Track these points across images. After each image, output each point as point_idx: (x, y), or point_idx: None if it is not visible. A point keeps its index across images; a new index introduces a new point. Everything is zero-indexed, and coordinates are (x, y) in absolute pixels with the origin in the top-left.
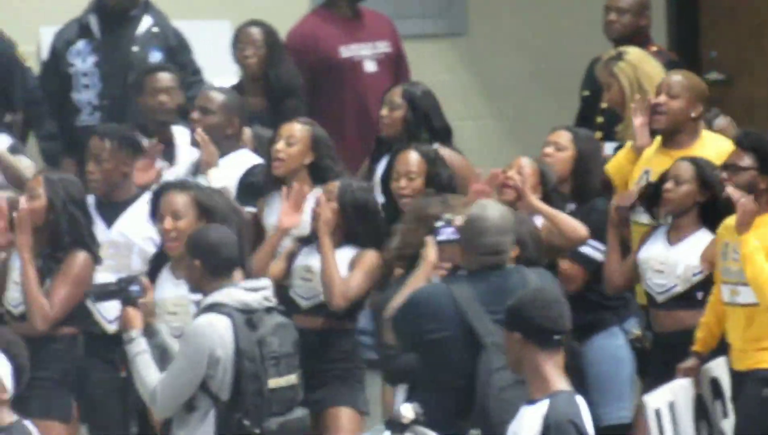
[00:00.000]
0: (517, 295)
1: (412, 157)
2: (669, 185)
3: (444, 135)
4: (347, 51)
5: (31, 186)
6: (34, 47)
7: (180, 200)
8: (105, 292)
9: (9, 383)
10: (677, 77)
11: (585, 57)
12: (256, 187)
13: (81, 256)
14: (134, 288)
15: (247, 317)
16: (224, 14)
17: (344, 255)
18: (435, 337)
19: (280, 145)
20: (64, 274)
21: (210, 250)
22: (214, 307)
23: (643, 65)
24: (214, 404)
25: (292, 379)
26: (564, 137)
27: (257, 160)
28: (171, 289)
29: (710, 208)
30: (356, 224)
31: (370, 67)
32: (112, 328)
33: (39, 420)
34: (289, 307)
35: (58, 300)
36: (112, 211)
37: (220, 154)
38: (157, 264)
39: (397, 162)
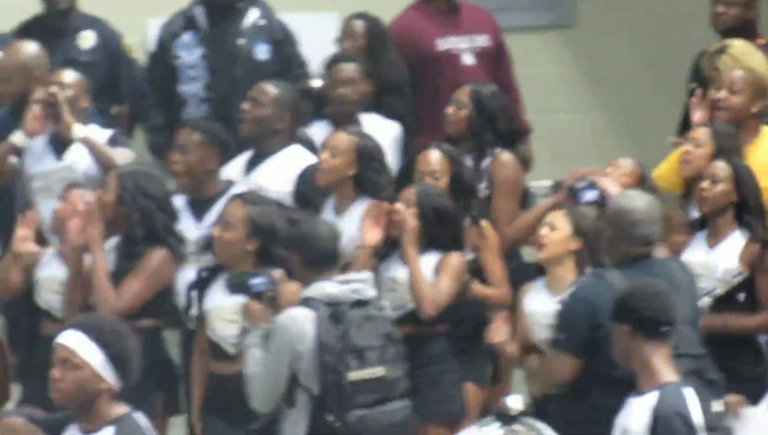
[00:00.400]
0: (626, 288)
1: (435, 157)
2: (705, 184)
3: (508, 139)
4: (444, 44)
5: (106, 180)
6: (140, 39)
7: (236, 213)
8: (238, 284)
9: (106, 373)
10: (740, 73)
11: (694, 48)
12: (307, 195)
13: (158, 252)
14: (257, 281)
15: (332, 310)
16: (332, 6)
17: (428, 261)
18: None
19: (324, 155)
20: (139, 269)
21: (306, 243)
22: (304, 301)
23: (746, 59)
24: (310, 398)
25: (378, 371)
26: (702, 133)
27: (309, 157)
28: (229, 297)
29: (744, 209)
30: (436, 229)
31: (467, 60)
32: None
33: None
34: None
35: (129, 292)
36: (201, 207)
37: (269, 150)
38: (213, 272)
39: (419, 162)
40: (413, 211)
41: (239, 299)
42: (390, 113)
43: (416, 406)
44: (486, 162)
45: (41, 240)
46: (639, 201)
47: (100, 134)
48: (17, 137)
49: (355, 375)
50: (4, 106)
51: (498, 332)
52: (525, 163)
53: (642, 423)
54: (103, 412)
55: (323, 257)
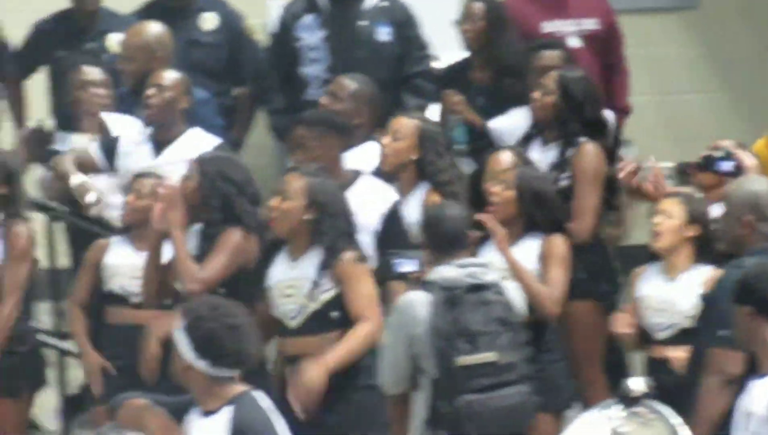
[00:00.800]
0: (748, 269)
1: (506, 159)
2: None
3: (594, 127)
4: (550, 26)
5: (189, 167)
6: (262, 21)
7: (295, 184)
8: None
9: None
10: None
11: None
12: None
13: (236, 232)
14: (402, 261)
15: (448, 295)
16: None
17: (530, 246)
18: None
19: (386, 139)
20: (220, 245)
21: (431, 225)
22: (424, 285)
23: None
24: (430, 382)
25: (490, 356)
26: None
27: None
28: (286, 272)
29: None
30: (535, 212)
31: (573, 43)
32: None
33: None
34: None
35: (211, 265)
36: None
37: (348, 145)
38: (273, 246)
39: (490, 163)
40: (510, 194)
41: (293, 274)
42: (508, 95)
43: None
44: (570, 152)
45: None
46: None
47: (208, 141)
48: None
49: (465, 360)
50: (126, 86)
51: (621, 322)
52: (609, 152)
53: (764, 405)
54: (221, 393)
55: (449, 239)
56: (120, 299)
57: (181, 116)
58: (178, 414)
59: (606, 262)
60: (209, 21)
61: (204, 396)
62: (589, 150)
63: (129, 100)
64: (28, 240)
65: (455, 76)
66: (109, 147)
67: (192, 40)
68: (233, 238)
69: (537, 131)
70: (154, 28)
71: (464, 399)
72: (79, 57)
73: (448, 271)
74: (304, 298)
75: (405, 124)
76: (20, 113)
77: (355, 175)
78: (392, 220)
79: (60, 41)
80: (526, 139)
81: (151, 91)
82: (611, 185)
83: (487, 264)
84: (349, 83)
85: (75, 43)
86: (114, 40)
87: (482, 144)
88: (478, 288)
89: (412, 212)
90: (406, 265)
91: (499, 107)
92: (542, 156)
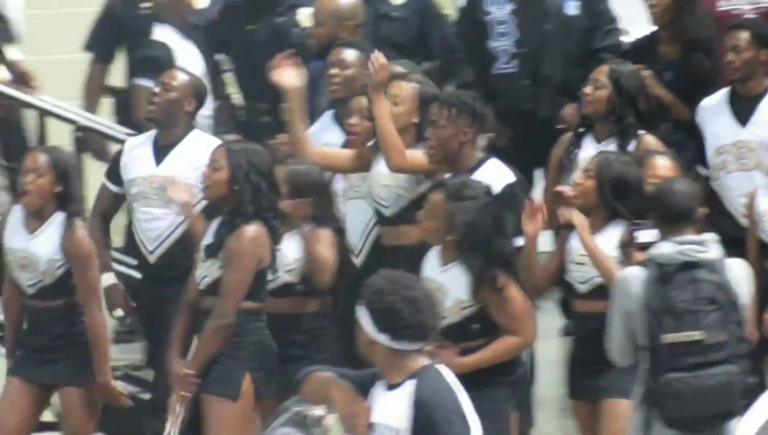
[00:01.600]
0: None
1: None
2: None
3: (649, 119)
4: (726, 4)
5: (214, 158)
6: None
7: (439, 203)
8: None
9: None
10: None
11: None
12: None
13: (248, 234)
14: (642, 232)
15: (661, 271)
16: None
17: (611, 236)
18: None
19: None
20: (230, 259)
21: (659, 199)
22: (642, 262)
23: None
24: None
25: (696, 335)
26: None
27: None
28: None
29: None
30: (615, 200)
31: None
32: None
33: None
34: (569, 292)
35: (229, 288)
36: None
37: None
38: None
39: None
40: (593, 183)
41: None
42: (696, 70)
43: (605, 385)
44: (631, 145)
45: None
46: None
47: (209, 144)
48: None
49: (670, 337)
50: (313, 51)
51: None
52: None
53: None
54: (404, 366)
55: (676, 213)
56: None
57: (185, 119)
58: (363, 387)
59: None
60: None
61: (388, 369)
62: (651, 141)
63: (315, 65)
64: (89, 242)
65: (643, 50)
66: (114, 168)
67: (382, 15)
68: (244, 243)
69: (587, 127)
70: None
71: (667, 377)
72: (269, 31)
73: (665, 248)
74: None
75: (404, 88)
76: (218, 88)
77: (484, 159)
78: (501, 201)
79: (251, 15)
80: (578, 136)
81: (156, 90)
82: None
83: (706, 241)
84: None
85: (265, 17)
86: (304, 14)
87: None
88: (691, 266)
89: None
90: (647, 236)
91: (686, 82)
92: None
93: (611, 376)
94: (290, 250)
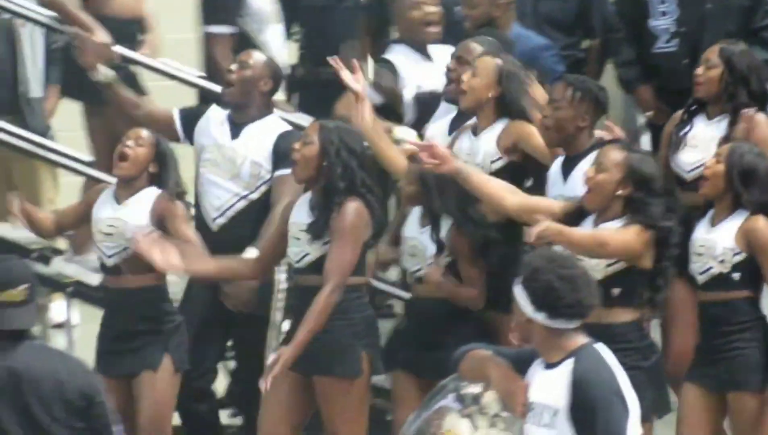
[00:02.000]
0: None
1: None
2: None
3: (762, 98)
4: None
5: (307, 132)
6: None
7: (613, 156)
8: None
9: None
10: None
11: None
12: None
13: (351, 208)
14: None
15: None
16: None
17: (731, 225)
18: None
19: (466, 75)
20: (338, 231)
21: (747, 175)
22: None
23: None
24: None
25: None
26: None
27: None
28: None
29: None
30: (741, 190)
31: None
32: None
33: None
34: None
35: (337, 261)
36: (568, 164)
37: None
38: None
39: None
40: (722, 169)
41: None
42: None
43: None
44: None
45: None
46: None
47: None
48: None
49: None
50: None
51: None
52: None
53: None
54: (563, 345)
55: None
56: None
57: (260, 99)
58: (521, 365)
59: None
60: None
61: (545, 348)
62: (762, 120)
63: None
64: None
65: None
66: (190, 118)
67: None
68: (349, 219)
69: (699, 106)
70: None
71: None
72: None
73: None
74: None
75: (485, 61)
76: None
77: (596, 145)
78: None
79: None
80: (690, 115)
81: (233, 67)
82: None
83: None
84: (476, 47)
85: None
86: None
87: None
88: None
89: (485, 148)
90: None
91: None
92: (709, 130)
93: (734, 366)
94: None
